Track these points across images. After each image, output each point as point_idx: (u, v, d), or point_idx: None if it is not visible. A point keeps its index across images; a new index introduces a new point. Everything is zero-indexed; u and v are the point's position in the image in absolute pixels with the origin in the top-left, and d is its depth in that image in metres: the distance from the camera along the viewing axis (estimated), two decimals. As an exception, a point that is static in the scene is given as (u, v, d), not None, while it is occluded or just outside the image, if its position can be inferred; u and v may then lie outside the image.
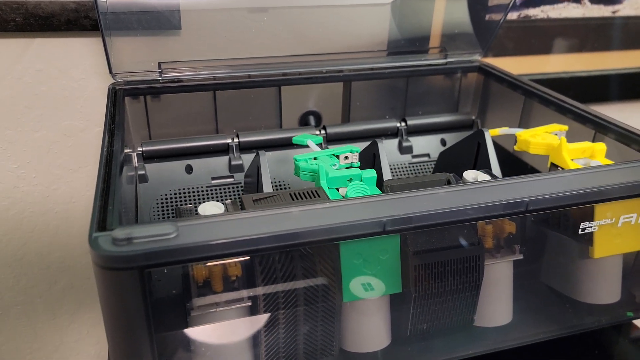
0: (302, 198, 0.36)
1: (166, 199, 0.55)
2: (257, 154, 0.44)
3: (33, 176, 0.65)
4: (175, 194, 0.55)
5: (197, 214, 0.37)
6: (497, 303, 0.40)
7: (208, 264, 0.33)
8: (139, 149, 0.55)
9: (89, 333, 0.76)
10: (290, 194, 0.36)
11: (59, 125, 0.64)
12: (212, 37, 0.59)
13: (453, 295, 0.37)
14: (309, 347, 0.36)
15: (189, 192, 0.55)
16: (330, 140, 0.60)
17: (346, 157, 0.43)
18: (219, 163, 0.57)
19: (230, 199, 0.56)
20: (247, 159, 0.57)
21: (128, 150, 0.54)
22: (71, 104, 0.63)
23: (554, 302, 0.43)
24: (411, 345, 0.39)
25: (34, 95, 0.62)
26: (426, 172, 0.62)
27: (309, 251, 0.34)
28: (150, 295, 0.30)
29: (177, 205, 0.54)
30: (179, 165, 0.56)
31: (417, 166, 0.62)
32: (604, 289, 0.42)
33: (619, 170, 0.38)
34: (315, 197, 0.36)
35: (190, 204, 0.55)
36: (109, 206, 0.33)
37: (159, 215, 0.53)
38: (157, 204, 0.54)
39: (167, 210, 0.54)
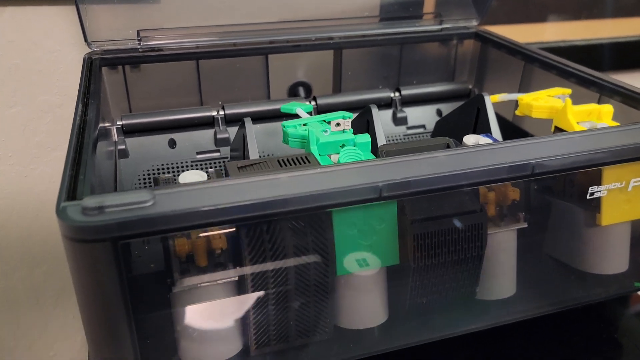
0: (291, 164, 0.33)
1: (148, 174, 0.52)
2: (243, 122, 0.41)
3: (9, 155, 0.62)
4: (157, 169, 0.52)
5: (177, 183, 0.34)
6: (500, 275, 0.38)
7: (190, 236, 0.30)
8: (118, 123, 0.52)
9: (75, 318, 0.73)
10: (278, 160, 0.33)
11: (34, 101, 0.61)
12: (194, 2, 0.55)
13: (454, 266, 0.35)
14: (301, 325, 0.34)
15: (172, 167, 0.53)
16: (321, 111, 0.57)
17: (338, 124, 0.40)
18: (204, 136, 0.54)
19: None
20: (233, 132, 0.54)
21: (107, 124, 0.51)
22: (47, 78, 0.60)
23: (559, 273, 0.41)
24: (410, 321, 0.37)
25: (6, 69, 0.58)
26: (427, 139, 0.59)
27: (299, 221, 0.31)
28: (127, 271, 0.28)
29: (160, 180, 0.51)
30: (162, 139, 0.53)
31: (412, 138, 0.60)
32: (611, 258, 0.40)
33: (628, 131, 0.35)
34: (305, 163, 0.33)
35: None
36: (80, 175, 0.30)
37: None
38: (139, 179, 0.51)
39: (150, 186, 0.51)
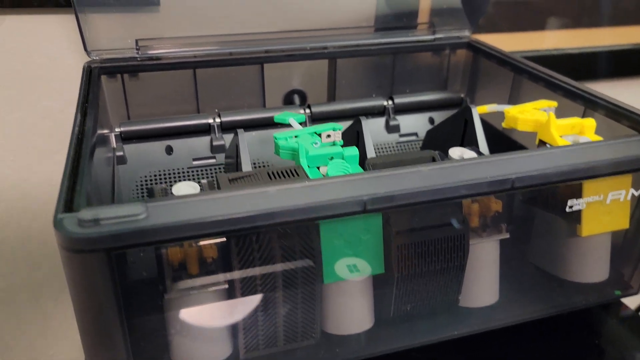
0: (280, 177, 0.34)
1: (146, 180, 0.53)
2: (236, 134, 0.42)
3: (10, 159, 0.63)
4: (155, 175, 0.54)
5: (171, 194, 0.35)
6: (482, 283, 0.39)
7: (182, 246, 0.31)
8: (117, 130, 0.53)
9: (74, 318, 0.75)
10: (268, 173, 0.35)
11: (35, 106, 0.62)
12: (192, 13, 0.57)
13: (437, 275, 0.36)
14: (289, 330, 0.35)
15: (169, 174, 0.54)
16: (315, 119, 0.59)
17: (328, 136, 0.41)
18: (200, 143, 0.55)
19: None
20: (229, 139, 0.55)
21: (105, 131, 0.52)
22: (47, 84, 0.61)
23: (542, 281, 0.42)
24: (395, 327, 0.38)
25: (8, 75, 0.59)
26: (414, 150, 0.60)
27: (287, 231, 0.33)
28: (121, 279, 0.29)
29: (157, 187, 0.52)
30: (159, 146, 0.54)
31: (404, 145, 0.61)
32: (592, 267, 0.41)
33: (606, 146, 0.37)
34: (294, 175, 0.35)
35: (172, 185, 0.53)
36: (77, 187, 0.31)
37: (138, 196, 0.52)
38: (137, 186, 0.53)
39: (146, 194, 0.52)
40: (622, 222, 0.39)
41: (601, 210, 0.38)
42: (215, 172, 0.55)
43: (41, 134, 0.63)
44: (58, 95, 0.62)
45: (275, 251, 0.33)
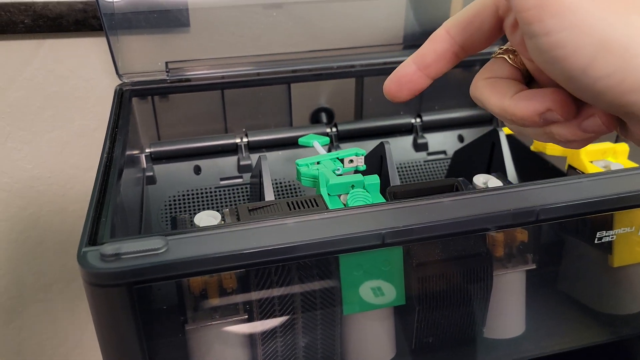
0: (299, 207, 0.35)
1: (174, 200, 0.54)
2: (259, 158, 0.43)
3: (48, 176, 0.66)
4: (183, 195, 0.55)
5: (192, 224, 0.36)
6: (508, 314, 0.38)
7: (202, 278, 0.32)
8: (147, 150, 0.54)
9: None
10: (287, 203, 0.35)
11: (71, 125, 0.64)
12: (220, 34, 0.57)
13: (460, 307, 0.35)
14: (309, 361, 0.35)
15: (197, 194, 0.55)
16: (342, 137, 0.59)
17: (351, 161, 0.41)
18: (228, 163, 0.56)
19: (238, 201, 0.55)
20: (255, 158, 0.55)
21: (136, 152, 0.53)
22: (82, 104, 0.63)
23: (572, 312, 0.41)
24: (417, 358, 0.38)
25: (46, 96, 0.62)
26: (441, 170, 0.59)
27: (307, 263, 0.33)
28: (142, 311, 0.29)
29: (184, 206, 0.53)
30: (188, 166, 0.55)
31: (432, 164, 0.60)
32: (625, 298, 0.40)
33: (637, 175, 0.35)
34: (313, 206, 0.35)
35: (199, 205, 0.54)
36: (102, 218, 0.32)
37: (166, 217, 0.53)
38: (165, 205, 0.54)
39: (175, 212, 0.53)
40: (656, 253, 0.38)
41: (634, 240, 0.37)
42: (245, 193, 0.56)
43: (77, 152, 0.65)
44: (92, 115, 0.64)
45: (294, 282, 0.33)
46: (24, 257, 0.68)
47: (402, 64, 0.29)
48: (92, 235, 0.31)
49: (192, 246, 0.29)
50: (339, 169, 0.39)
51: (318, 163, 0.40)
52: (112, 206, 0.34)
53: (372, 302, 0.34)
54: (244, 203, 0.42)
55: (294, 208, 0.34)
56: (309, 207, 0.35)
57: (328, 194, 0.36)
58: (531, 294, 0.38)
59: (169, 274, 0.28)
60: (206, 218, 0.35)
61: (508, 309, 0.38)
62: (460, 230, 0.32)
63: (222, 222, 0.36)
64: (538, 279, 0.38)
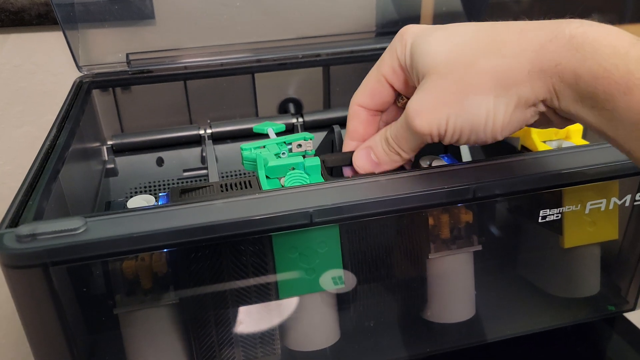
0: (232, 189, 0.34)
1: (136, 192, 0.54)
2: (205, 144, 0.42)
3: (19, 172, 0.66)
4: (145, 187, 0.54)
5: (125, 207, 0.35)
6: (456, 297, 0.37)
7: (128, 259, 0.31)
8: (109, 143, 0.54)
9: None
10: (221, 185, 0.34)
11: (40, 120, 0.64)
12: (184, 24, 0.57)
13: (399, 290, 0.35)
14: (248, 348, 0.35)
15: (159, 185, 0.54)
16: (309, 127, 0.58)
17: (299, 145, 0.40)
18: (191, 154, 0.56)
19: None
20: (219, 149, 0.55)
21: (96, 144, 0.53)
22: (51, 99, 0.63)
23: (525, 296, 0.40)
24: (364, 341, 0.37)
25: (14, 91, 0.62)
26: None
27: (238, 245, 0.32)
28: (64, 294, 0.29)
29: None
30: (150, 157, 0.55)
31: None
32: (580, 281, 0.39)
33: (575, 153, 0.34)
34: (247, 187, 0.34)
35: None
36: (29, 202, 0.32)
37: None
38: (127, 197, 0.53)
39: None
40: (608, 232, 0.37)
41: (584, 220, 0.36)
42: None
43: (47, 148, 0.65)
44: (61, 109, 0.64)
45: (226, 266, 0.32)
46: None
47: (346, 149, 0.37)
48: (16, 218, 0.30)
49: (112, 227, 0.29)
50: (284, 153, 0.39)
51: (264, 147, 0.39)
52: (43, 191, 0.33)
53: (308, 285, 0.33)
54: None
55: (227, 190, 0.34)
56: (242, 188, 0.34)
57: (267, 177, 0.36)
58: (481, 276, 0.37)
59: (86, 255, 0.28)
60: (139, 201, 0.35)
61: (454, 292, 0.37)
62: (393, 208, 0.31)
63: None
64: (488, 262, 0.37)
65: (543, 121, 0.29)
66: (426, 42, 0.30)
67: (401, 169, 0.34)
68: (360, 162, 0.34)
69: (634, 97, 0.24)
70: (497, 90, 0.27)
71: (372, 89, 0.35)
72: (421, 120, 0.30)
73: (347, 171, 0.36)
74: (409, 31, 0.32)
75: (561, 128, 0.31)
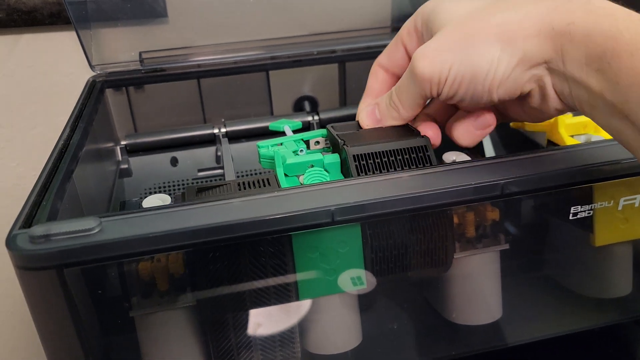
0: (250, 187, 0.33)
1: (150, 192, 0.53)
2: (220, 143, 0.41)
3: (33, 174, 0.65)
4: (159, 187, 0.53)
5: (140, 207, 0.34)
6: (482, 298, 0.36)
7: (144, 260, 0.30)
8: (122, 143, 0.53)
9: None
10: (238, 183, 0.33)
11: (54, 121, 0.63)
12: (197, 22, 0.56)
13: (424, 291, 0.33)
14: (267, 351, 0.33)
15: (174, 185, 0.54)
16: (325, 125, 0.56)
17: (317, 142, 0.39)
18: (206, 154, 0.55)
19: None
20: (234, 148, 0.54)
21: (110, 144, 0.52)
22: (64, 99, 0.62)
23: (554, 296, 0.38)
24: (386, 344, 0.36)
25: (27, 92, 0.61)
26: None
27: (257, 245, 0.31)
28: (79, 297, 0.28)
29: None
30: (164, 157, 0.54)
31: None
32: (611, 280, 0.37)
33: (606, 147, 0.33)
34: (265, 185, 0.33)
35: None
36: (43, 202, 0.31)
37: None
38: (141, 198, 0.52)
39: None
40: (642, 230, 0.35)
41: (616, 217, 0.34)
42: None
43: (61, 149, 0.65)
44: (74, 110, 0.63)
45: (244, 266, 0.31)
46: (7, 259, 0.68)
47: (361, 106, 0.38)
48: (31, 219, 0.29)
49: (128, 227, 0.28)
50: (302, 150, 0.37)
51: (281, 144, 0.38)
52: (57, 191, 0.32)
53: (329, 286, 0.32)
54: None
55: (245, 188, 0.33)
56: (260, 187, 0.33)
57: (285, 175, 0.35)
58: (507, 276, 0.36)
59: (101, 256, 0.27)
60: (154, 201, 0.34)
61: (480, 292, 0.35)
62: (418, 206, 0.30)
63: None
64: (515, 261, 0.36)
65: (535, 99, 0.30)
66: (445, 2, 0.33)
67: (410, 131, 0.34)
68: (364, 116, 0.36)
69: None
70: (504, 42, 0.28)
71: (390, 50, 0.38)
72: (424, 63, 0.30)
73: None
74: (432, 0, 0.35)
75: (548, 116, 0.31)
